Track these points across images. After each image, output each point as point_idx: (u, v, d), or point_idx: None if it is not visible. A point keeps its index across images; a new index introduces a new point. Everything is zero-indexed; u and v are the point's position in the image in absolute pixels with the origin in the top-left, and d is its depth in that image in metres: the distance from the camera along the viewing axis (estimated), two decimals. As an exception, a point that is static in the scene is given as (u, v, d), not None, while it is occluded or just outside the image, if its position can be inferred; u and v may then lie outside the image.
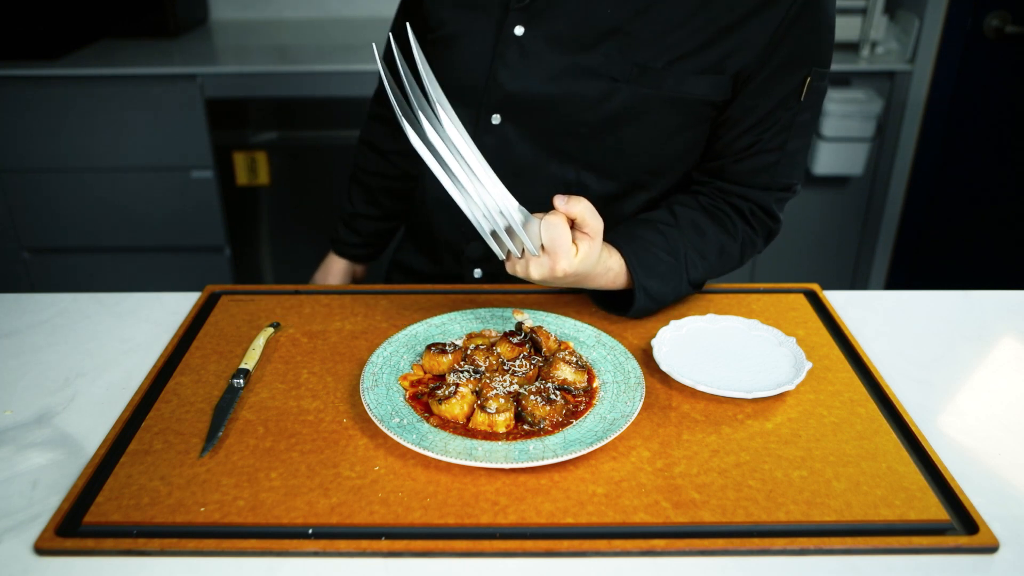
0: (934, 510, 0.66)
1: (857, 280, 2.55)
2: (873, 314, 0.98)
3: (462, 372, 0.78)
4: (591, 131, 0.94)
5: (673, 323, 0.90)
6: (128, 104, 2.14)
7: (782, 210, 1.02)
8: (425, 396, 0.78)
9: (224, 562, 0.62)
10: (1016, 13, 2.03)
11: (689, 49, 0.89)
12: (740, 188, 0.99)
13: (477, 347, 0.82)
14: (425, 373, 0.82)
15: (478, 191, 0.76)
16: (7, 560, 0.62)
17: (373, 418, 0.74)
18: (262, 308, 0.97)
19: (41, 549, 0.63)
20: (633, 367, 0.82)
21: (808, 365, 0.83)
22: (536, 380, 0.79)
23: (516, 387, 0.77)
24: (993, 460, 0.74)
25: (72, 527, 0.65)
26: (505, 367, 0.80)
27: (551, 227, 0.76)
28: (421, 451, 0.70)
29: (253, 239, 2.40)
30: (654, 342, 0.86)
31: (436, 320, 0.91)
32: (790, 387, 0.80)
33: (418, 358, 0.84)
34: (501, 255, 0.81)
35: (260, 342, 0.88)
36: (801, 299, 0.99)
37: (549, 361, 0.81)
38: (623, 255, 0.89)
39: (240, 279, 2.42)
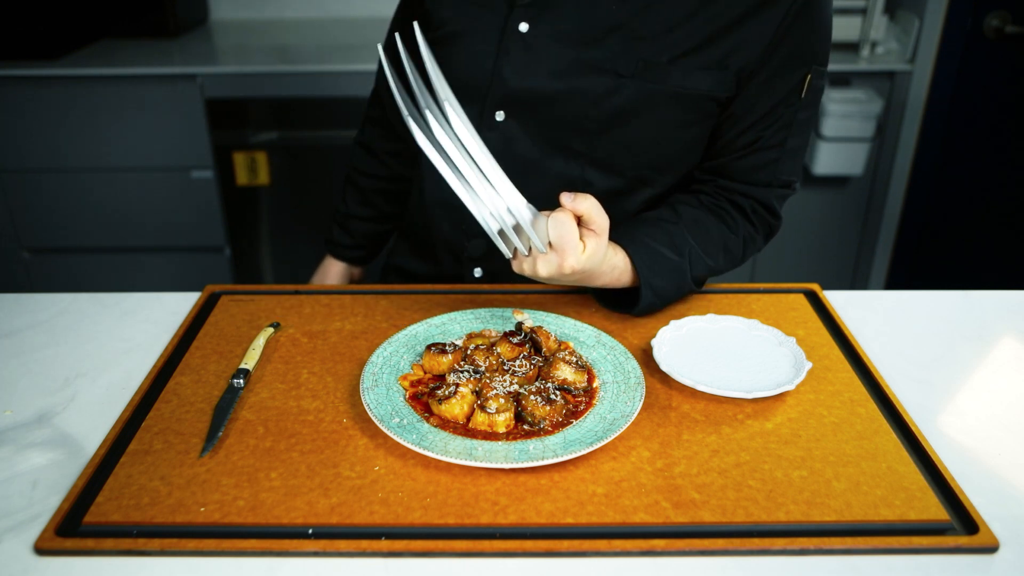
0: (934, 510, 0.66)
1: (857, 280, 2.55)
2: (873, 314, 0.98)
3: (462, 372, 0.78)
4: (596, 127, 0.94)
5: (673, 323, 0.90)
6: (128, 104, 2.14)
7: (782, 207, 1.03)
8: (425, 396, 0.78)
9: (224, 562, 0.62)
10: (1016, 13, 2.03)
11: (692, 46, 0.90)
12: (742, 186, 0.99)
13: (477, 347, 0.82)
14: (425, 373, 0.82)
15: (486, 189, 0.76)
16: (7, 560, 0.62)
17: (373, 418, 0.74)
18: (262, 308, 0.97)
19: (41, 549, 0.63)
20: (633, 367, 0.82)
21: (808, 365, 0.83)
22: (536, 380, 0.79)
23: (516, 387, 0.77)
24: (993, 460, 0.74)
25: (72, 527, 0.65)
26: (505, 367, 0.80)
27: (559, 224, 0.76)
28: (421, 451, 0.70)
29: (253, 239, 2.40)
30: (654, 342, 0.86)
31: (436, 320, 0.91)
32: (790, 387, 0.80)
33: (418, 358, 0.84)
34: (508, 253, 0.81)
35: (260, 342, 0.88)
36: (801, 299, 0.99)
37: (549, 361, 0.81)
38: (628, 253, 0.89)
39: (240, 279, 2.42)
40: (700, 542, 0.63)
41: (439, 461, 0.71)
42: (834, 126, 2.20)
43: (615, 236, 0.90)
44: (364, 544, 0.63)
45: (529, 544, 0.63)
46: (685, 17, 0.90)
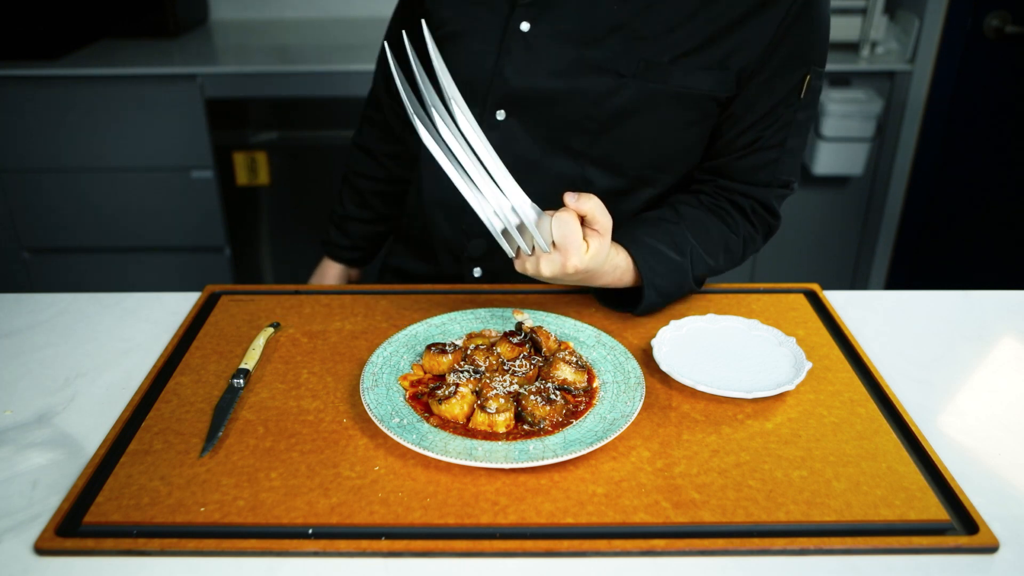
0: (934, 510, 0.66)
1: (857, 280, 2.55)
2: (873, 314, 0.98)
3: (462, 372, 0.78)
4: (597, 126, 0.94)
5: (673, 323, 0.90)
6: (128, 104, 2.14)
7: (780, 207, 1.03)
8: (425, 396, 0.78)
9: (224, 562, 0.62)
10: (1016, 13, 2.03)
11: (693, 46, 0.90)
12: (742, 186, 1.00)
13: (477, 347, 0.82)
14: (425, 373, 0.82)
15: (491, 189, 0.76)
16: (7, 560, 0.62)
17: (373, 418, 0.74)
18: (262, 308, 0.97)
19: (41, 549, 0.63)
20: (633, 367, 0.82)
21: (808, 365, 0.83)
22: (536, 380, 0.79)
23: (516, 387, 0.77)
24: (993, 460, 0.74)
25: (72, 527, 0.65)
26: (505, 367, 0.80)
27: (563, 224, 0.76)
28: (421, 451, 0.70)
29: (253, 239, 2.40)
30: (654, 342, 0.86)
31: (436, 320, 0.91)
32: (790, 387, 0.80)
33: (418, 358, 0.84)
34: (511, 253, 0.81)
35: (260, 342, 0.88)
36: (801, 299, 0.99)
37: (549, 361, 0.81)
38: (630, 253, 0.90)
39: (240, 279, 2.42)
40: (700, 542, 0.63)
41: (439, 461, 0.71)
42: (834, 126, 2.20)
43: (616, 236, 0.90)
44: (364, 544, 0.63)
45: (529, 544, 0.63)
46: (686, 17, 0.90)
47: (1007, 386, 0.85)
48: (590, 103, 0.93)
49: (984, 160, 2.17)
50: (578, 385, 0.79)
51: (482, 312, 0.93)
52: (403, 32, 0.79)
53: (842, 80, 2.24)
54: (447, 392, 0.75)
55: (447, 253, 1.09)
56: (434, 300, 0.98)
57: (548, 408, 0.74)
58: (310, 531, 0.64)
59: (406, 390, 0.79)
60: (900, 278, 2.51)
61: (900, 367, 0.87)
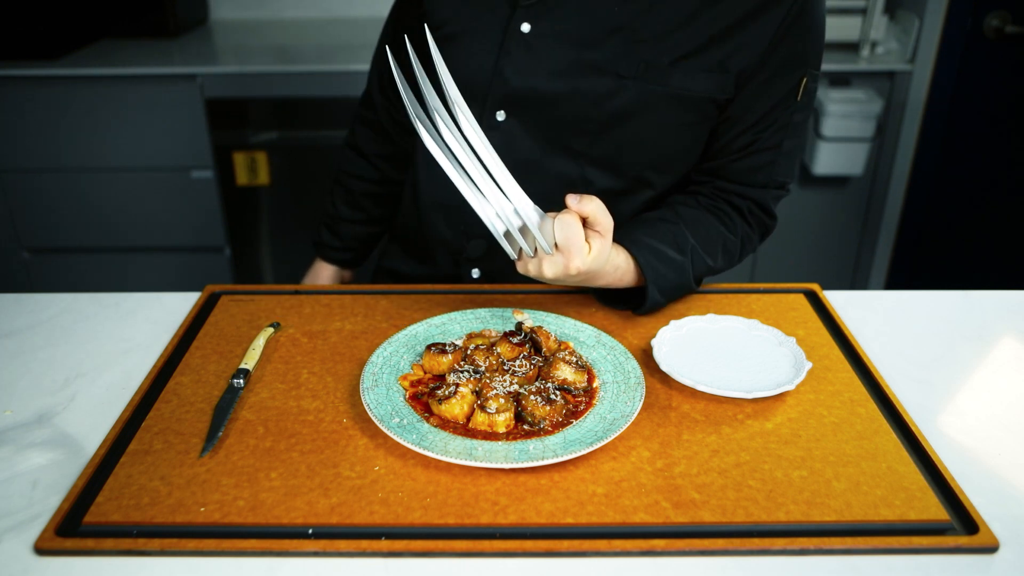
0: (934, 510, 0.66)
1: (857, 280, 2.55)
2: (873, 314, 0.98)
3: (462, 372, 0.78)
4: (597, 127, 0.94)
5: (673, 323, 0.90)
6: (128, 104, 2.14)
7: (776, 207, 1.04)
8: (425, 396, 0.78)
9: (224, 562, 0.62)
10: (1016, 13, 2.03)
11: (693, 48, 0.90)
12: (739, 187, 1.00)
13: (477, 347, 0.82)
14: (425, 373, 0.82)
15: (493, 191, 0.76)
16: (7, 560, 0.62)
17: (373, 418, 0.74)
18: (262, 308, 0.97)
19: (41, 549, 0.63)
20: (633, 367, 0.82)
21: (808, 365, 0.83)
22: (536, 380, 0.79)
23: (516, 387, 0.77)
24: (993, 460, 0.74)
25: (72, 527, 0.65)
26: (505, 367, 0.80)
27: (566, 226, 0.77)
28: (421, 451, 0.70)
29: (253, 239, 2.40)
30: (654, 342, 0.86)
31: (436, 320, 0.91)
32: (790, 387, 0.80)
33: (418, 358, 0.84)
34: (513, 254, 0.81)
35: (260, 342, 0.88)
36: (801, 299, 0.99)
37: (549, 361, 0.81)
38: (631, 253, 0.90)
39: (240, 279, 2.42)
40: (700, 542, 0.63)
41: (439, 461, 0.71)
42: (834, 126, 2.20)
43: (616, 236, 0.90)
44: (364, 544, 0.63)
45: (529, 544, 0.63)
46: (686, 19, 0.90)
47: (1007, 386, 0.85)
48: (590, 104, 0.93)
49: (984, 160, 2.17)
50: (578, 385, 0.79)
51: (482, 312, 0.93)
52: (405, 35, 0.80)
53: (842, 80, 2.24)
54: (447, 392, 0.75)
55: (445, 254, 1.09)
56: (434, 300, 0.98)
57: (548, 408, 0.74)
58: (310, 531, 0.64)
59: (406, 390, 0.79)
60: (900, 278, 2.51)
61: (900, 367, 0.87)
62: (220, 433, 0.74)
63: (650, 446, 0.73)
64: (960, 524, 0.65)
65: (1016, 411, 0.81)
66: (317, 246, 1.29)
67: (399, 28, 1.12)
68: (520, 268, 0.82)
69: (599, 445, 0.71)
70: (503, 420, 0.73)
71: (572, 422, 0.74)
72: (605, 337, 0.87)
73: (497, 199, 0.76)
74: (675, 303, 0.98)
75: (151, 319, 0.96)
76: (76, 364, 0.87)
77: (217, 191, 2.25)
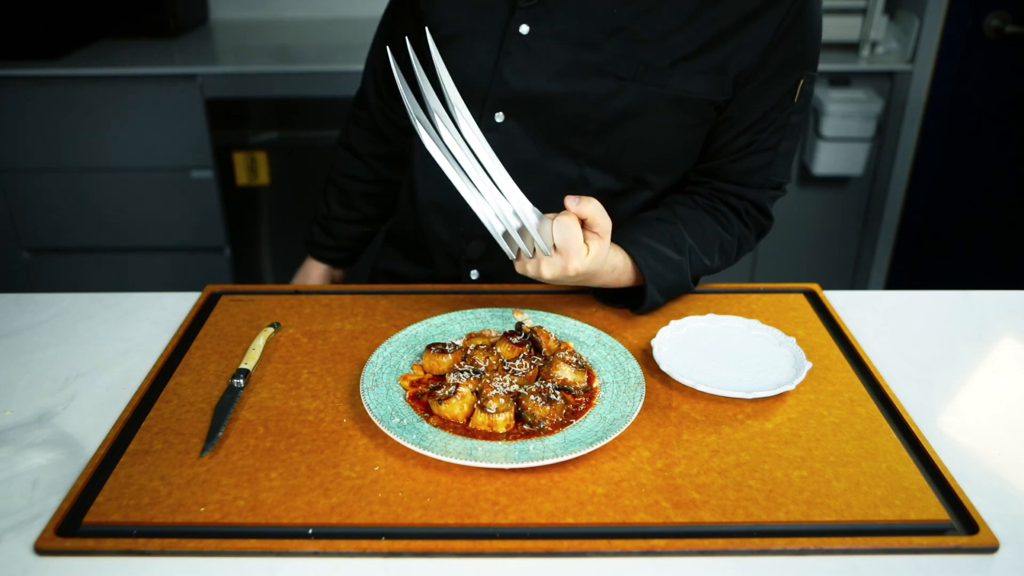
0: (934, 510, 0.66)
1: (857, 280, 2.55)
2: (873, 314, 0.98)
3: (462, 372, 0.78)
4: (596, 128, 0.94)
5: (673, 323, 0.90)
6: (128, 104, 2.14)
7: (773, 207, 1.04)
8: (425, 396, 0.78)
9: (224, 562, 0.62)
10: (1016, 13, 2.03)
11: (692, 50, 0.90)
12: (736, 187, 1.01)
13: (477, 347, 0.82)
14: (425, 373, 0.82)
15: (492, 192, 0.76)
16: (7, 560, 0.62)
17: (373, 418, 0.74)
18: (262, 308, 0.97)
19: (41, 549, 0.63)
20: (633, 367, 0.82)
21: (808, 365, 0.83)
22: (536, 380, 0.79)
23: (516, 387, 0.77)
24: (993, 460, 0.74)
25: (72, 527, 0.65)
26: (505, 367, 0.80)
27: (564, 228, 0.77)
28: (421, 451, 0.70)
29: (253, 239, 2.40)
30: (654, 342, 0.86)
31: (436, 320, 0.91)
32: (790, 387, 0.80)
33: (418, 358, 0.84)
34: (512, 255, 0.82)
35: (260, 342, 0.88)
36: (801, 299, 0.99)
37: (549, 361, 0.81)
38: (630, 253, 0.90)
39: (240, 279, 2.42)
40: (700, 542, 0.63)
41: (439, 461, 0.71)
42: (834, 126, 2.20)
43: (614, 236, 0.90)
44: (364, 544, 0.63)
45: (529, 544, 0.63)
46: (686, 21, 0.90)
47: (1007, 386, 0.85)
48: (589, 106, 0.93)
49: (984, 160, 2.17)
50: (578, 385, 0.79)
51: (482, 312, 0.93)
52: (405, 37, 0.80)
53: (842, 80, 2.24)
54: (447, 392, 0.75)
55: (443, 255, 1.09)
56: (434, 300, 0.98)
57: (548, 408, 0.74)
58: (310, 531, 0.64)
59: (406, 390, 0.79)
60: (900, 278, 2.51)
61: (900, 367, 0.87)
62: (220, 433, 0.74)
63: (650, 446, 0.73)
64: (960, 524, 0.65)
65: (1016, 411, 0.81)
66: (309, 245, 1.29)
67: (395, 28, 1.12)
68: (519, 268, 0.82)
69: (599, 445, 0.71)
70: (503, 420, 0.73)
71: (572, 422, 0.74)
72: (605, 337, 0.87)
73: (496, 200, 0.76)
74: (675, 303, 0.98)
75: (151, 319, 0.96)
76: (76, 364, 0.87)
77: (217, 191, 2.25)
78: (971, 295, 1.02)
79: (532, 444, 0.71)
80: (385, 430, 0.72)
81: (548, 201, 0.84)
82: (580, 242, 0.78)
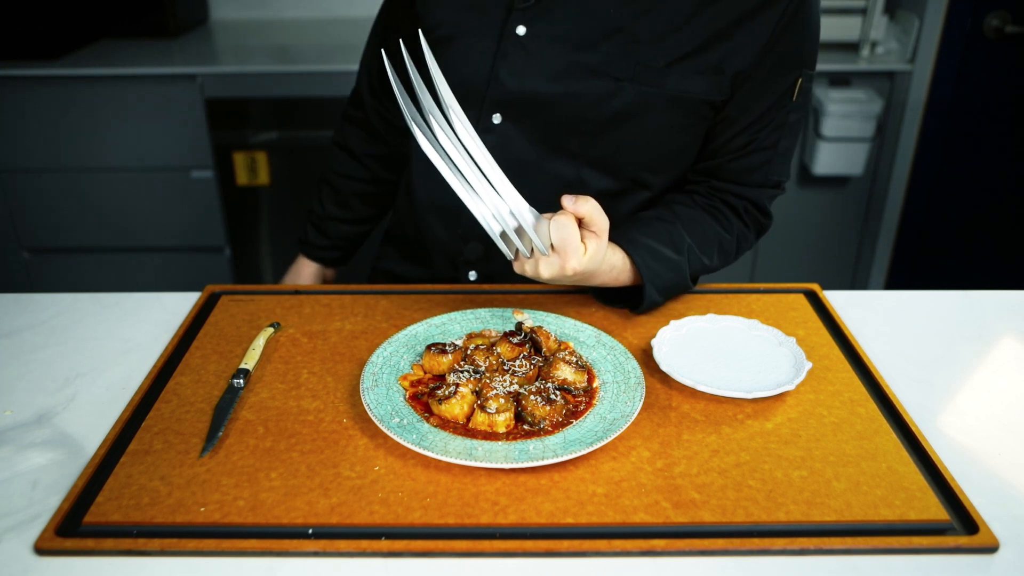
0: (934, 510, 0.66)
1: (857, 280, 2.55)
2: (873, 314, 0.98)
3: (462, 372, 0.78)
4: (593, 129, 0.94)
5: (673, 323, 0.90)
6: (128, 104, 2.14)
7: (771, 206, 1.04)
8: (425, 396, 0.78)
9: (224, 562, 0.62)
10: (1016, 13, 2.03)
11: (689, 50, 0.90)
12: (735, 186, 1.01)
13: (477, 347, 0.82)
14: (425, 373, 0.82)
15: (489, 192, 0.76)
16: (7, 560, 0.62)
17: (373, 418, 0.74)
18: (262, 308, 0.97)
19: (41, 549, 0.63)
20: (633, 367, 0.82)
21: (808, 365, 0.83)
22: (536, 380, 0.79)
23: (516, 387, 0.77)
24: (993, 460, 0.74)
25: (72, 527, 0.65)
26: (505, 367, 0.80)
27: (562, 227, 0.77)
28: (421, 451, 0.70)
29: (253, 239, 2.40)
30: (654, 342, 0.86)
31: (436, 320, 0.91)
32: (790, 387, 0.80)
33: (418, 358, 0.84)
34: (510, 255, 0.82)
35: (260, 342, 0.88)
36: (801, 299, 0.99)
37: (549, 361, 0.81)
38: (628, 252, 0.90)
39: (240, 279, 2.42)
40: (700, 542, 0.63)
41: (439, 461, 0.71)
42: (834, 126, 2.20)
43: (613, 236, 0.90)
44: (364, 544, 0.63)
45: (529, 544, 0.63)
46: (683, 21, 0.90)
47: (1007, 386, 0.85)
48: (586, 106, 0.93)
49: (984, 160, 2.17)
50: (578, 385, 0.79)
51: (482, 312, 0.93)
52: (400, 40, 0.80)
53: (842, 80, 2.24)
54: (447, 392, 0.75)
55: (442, 256, 1.09)
56: (434, 300, 0.98)
57: (548, 408, 0.74)
58: (310, 531, 0.64)
59: (406, 390, 0.79)
60: (900, 278, 2.51)
61: (900, 367, 0.87)
62: (220, 433, 0.74)
63: (650, 446, 0.73)
64: (960, 524, 0.65)
65: (1016, 411, 0.81)
66: (302, 245, 1.29)
67: (390, 29, 1.11)
68: (517, 269, 0.82)
69: (599, 445, 0.71)
70: (503, 420, 0.73)
71: (572, 422, 0.74)
72: (605, 337, 0.87)
73: (492, 200, 0.76)
74: (674, 303, 0.98)
75: (151, 319, 0.96)
76: (76, 364, 0.87)
77: (217, 191, 2.25)
78: (971, 295, 1.02)
79: (532, 444, 0.71)
80: (385, 430, 0.72)
81: (546, 202, 0.84)
82: (577, 241, 0.78)
